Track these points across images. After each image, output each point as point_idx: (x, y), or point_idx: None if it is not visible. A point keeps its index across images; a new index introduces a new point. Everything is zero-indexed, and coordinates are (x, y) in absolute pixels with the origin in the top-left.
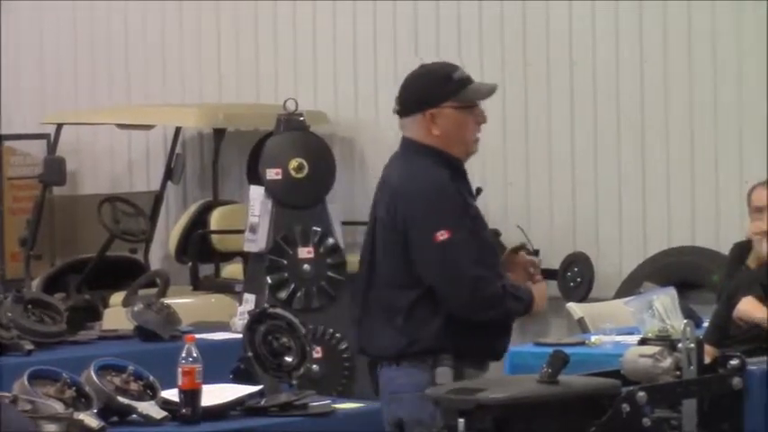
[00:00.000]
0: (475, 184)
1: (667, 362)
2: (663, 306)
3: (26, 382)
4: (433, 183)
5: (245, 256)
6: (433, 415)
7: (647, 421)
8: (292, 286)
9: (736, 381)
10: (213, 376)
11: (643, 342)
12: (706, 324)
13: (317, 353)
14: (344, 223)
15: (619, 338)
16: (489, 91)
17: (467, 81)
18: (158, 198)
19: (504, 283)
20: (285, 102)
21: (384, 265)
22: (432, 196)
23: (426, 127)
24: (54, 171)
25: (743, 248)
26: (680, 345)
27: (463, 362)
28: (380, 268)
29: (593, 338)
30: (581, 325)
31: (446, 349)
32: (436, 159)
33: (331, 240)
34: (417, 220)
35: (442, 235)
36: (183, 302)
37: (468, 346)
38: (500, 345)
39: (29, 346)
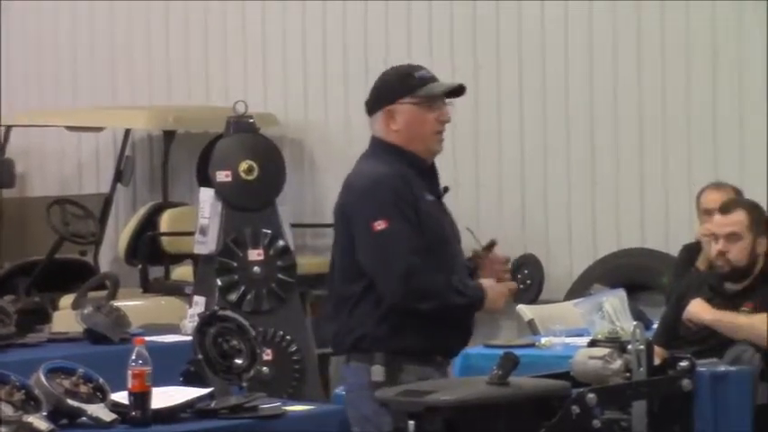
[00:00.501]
0: None
1: (617, 363)
2: (612, 308)
3: None
4: (375, 175)
5: (195, 259)
6: (377, 411)
7: (597, 423)
8: (242, 288)
9: (686, 382)
10: (163, 379)
11: (593, 344)
12: (655, 326)
13: (268, 355)
14: (294, 225)
15: (569, 340)
16: (447, 88)
17: (428, 80)
18: (108, 200)
19: (450, 276)
20: (235, 104)
21: (337, 260)
22: (372, 188)
23: (386, 123)
24: (3, 173)
25: (692, 250)
26: (629, 346)
27: (403, 358)
28: (336, 264)
29: (543, 340)
30: (531, 327)
31: (382, 345)
32: (398, 157)
33: (281, 242)
34: (358, 211)
35: (380, 225)
36: (133, 305)
37: (410, 342)
38: (449, 341)
39: None
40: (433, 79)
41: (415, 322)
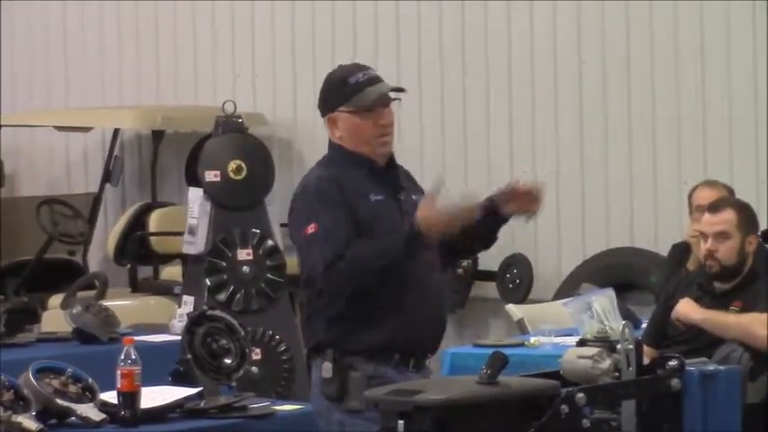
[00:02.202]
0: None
1: (606, 363)
2: (601, 307)
3: None
4: (304, 182)
5: (184, 258)
6: (329, 407)
7: (586, 422)
8: (231, 288)
9: (675, 382)
10: (152, 378)
11: (582, 343)
12: (644, 325)
13: (257, 355)
14: (283, 225)
15: (558, 340)
16: (379, 94)
17: (363, 84)
18: (97, 200)
19: (369, 241)
20: (224, 104)
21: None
22: (299, 195)
23: (331, 130)
24: None
25: (681, 249)
26: (619, 346)
27: (353, 356)
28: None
29: (532, 339)
30: (520, 326)
31: (330, 344)
32: (345, 159)
33: (270, 242)
34: (292, 219)
35: (310, 228)
36: (122, 304)
37: (361, 342)
38: (405, 339)
39: None
40: (369, 82)
41: (363, 323)
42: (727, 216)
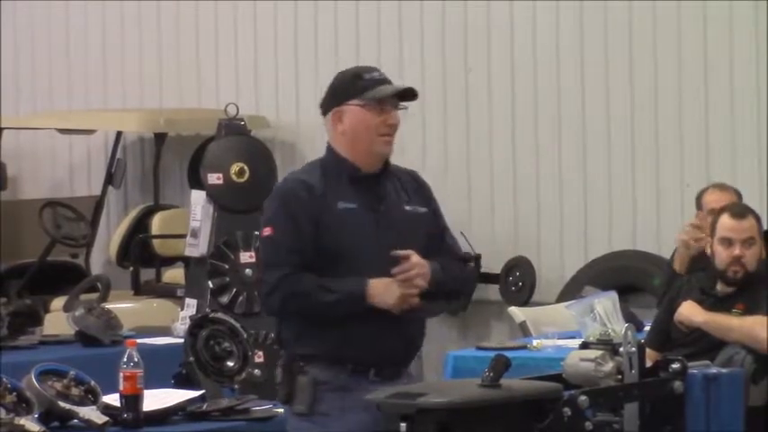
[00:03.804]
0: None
1: (609, 366)
2: (604, 310)
3: None
4: (280, 183)
5: (187, 261)
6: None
7: (588, 425)
8: (234, 291)
9: (678, 384)
10: (155, 381)
11: (584, 346)
12: (647, 328)
13: (259, 357)
14: None
15: (560, 342)
16: (394, 91)
17: (378, 82)
18: (99, 203)
19: (322, 278)
20: (226, 106)
21: None
22: (270, 196)
23: (335, 125)
24: None
25: None
26: (621, 348)
27: (305, 361)
28: None
29: (534, 342)
30: (523, 329)
31: (288, 347)
32: (332, 163)
33: None
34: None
35: (266, 231)
36: (125, 307)
37: (312, 347)
38: (358, 350)
39: None
40: (382, 81)
41: (311, 329)
42: (753, 222)
